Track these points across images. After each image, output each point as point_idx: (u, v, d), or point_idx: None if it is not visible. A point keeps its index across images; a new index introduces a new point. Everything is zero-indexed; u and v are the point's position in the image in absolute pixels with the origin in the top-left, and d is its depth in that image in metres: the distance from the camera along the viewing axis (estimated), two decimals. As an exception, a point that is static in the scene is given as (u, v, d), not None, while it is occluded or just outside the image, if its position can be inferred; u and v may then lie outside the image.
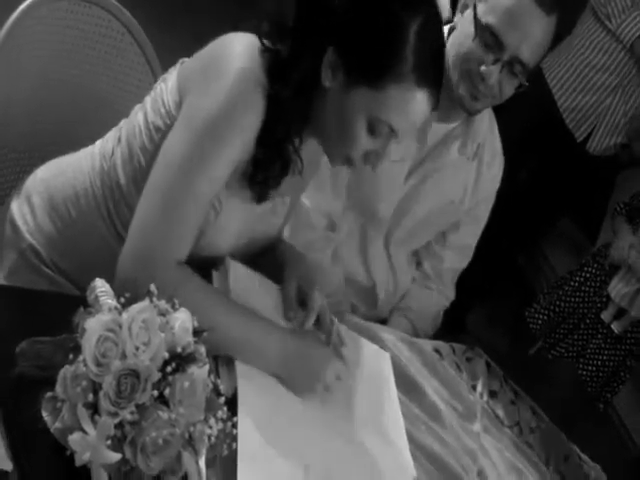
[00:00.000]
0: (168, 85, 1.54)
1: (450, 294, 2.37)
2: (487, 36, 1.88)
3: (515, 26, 1.86)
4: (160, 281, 1.22)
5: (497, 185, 2.28)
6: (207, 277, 1.55)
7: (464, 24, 1.95)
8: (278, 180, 1.53)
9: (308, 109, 1.49)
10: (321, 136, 1.54)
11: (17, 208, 1.69)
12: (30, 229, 1.66)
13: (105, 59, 1.95)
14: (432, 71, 1.46)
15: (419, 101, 1.45)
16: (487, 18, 1.88)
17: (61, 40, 1.87)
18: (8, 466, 1.08)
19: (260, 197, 1.54)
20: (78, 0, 1.86)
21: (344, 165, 1.57)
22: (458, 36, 1.97)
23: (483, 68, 1.89)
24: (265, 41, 1.46)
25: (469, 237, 2.33)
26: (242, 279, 1.60)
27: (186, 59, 1.56)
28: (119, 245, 1.56)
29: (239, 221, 1.59)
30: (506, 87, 1.95)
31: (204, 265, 1.75)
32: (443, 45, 1.54)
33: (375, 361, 1.80)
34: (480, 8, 1.90)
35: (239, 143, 1.44)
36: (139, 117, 1.57)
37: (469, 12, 1.94)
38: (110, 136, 1.66)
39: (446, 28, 2.05)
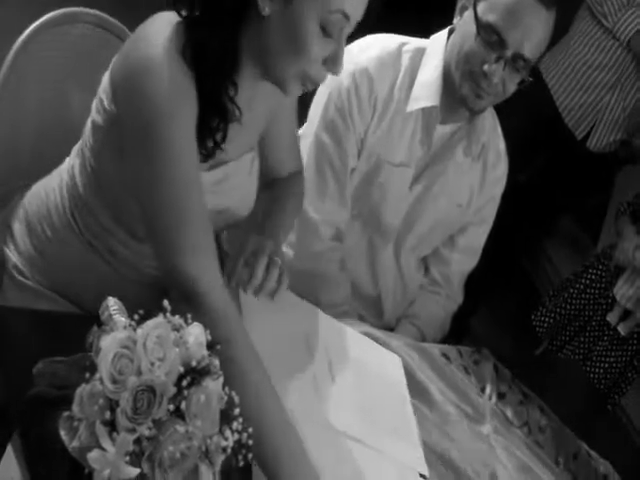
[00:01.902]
0: (103, 82, 1.49)
1: (459, 298, 2.36)
2: (489, 34, 1.86)
3: (516, 23, 1.85)
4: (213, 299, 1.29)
5: (503, 185, 2.27)
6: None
7: (464, 25, 1.94)
8: (221, 131, 1.47)
9: (236, 52, 1.43)
10: (268, 67, 1.45)
11: (2, 235, 1.70)
12: (12, 251, 1.66)
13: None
14: None
15: None
16: (488, 17, 1.87)
17: (65, 64, 1.87)
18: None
19: (209, 153, 1.47)
20: (81, 23, 1.86)
21: (302, 87, 1.47)
22: (459, 37, 1.97)
23: (486, 67, 1.87)
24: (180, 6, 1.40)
25: (477, 238, 2.32)
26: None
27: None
28: (96, 257, 1.56)
29: None
30: (509, 83, 1.93)
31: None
32: None
33: (387, 364, 1.80)
34: (480, 7, 1.89)
35: (188, 123, 1.39)
36: (88, 123, 1.55)
37: (469, 13, 1.93)
38: (72, 151, 1.65)
39: (445, 31, 2.05)
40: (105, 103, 1.46)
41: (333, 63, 1.44)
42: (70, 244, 1.61)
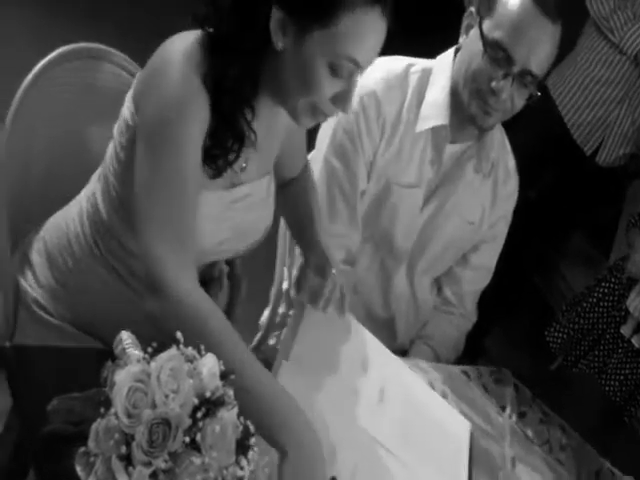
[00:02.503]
0: (125, 103, 1.52)
1: (472, 317, 2.33)
2: (495, 51, 1.85)
3: (523, 39, 1.83)
4: (185, 304, 1.26)
5: (514, 202, 2.24)
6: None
7: (470, 43, 1.93)
8: (235, 153, 1.48)
9: (256, 78, 1.45)
10: (282, 97, 1.48)
11: (18, 267, 1.69)
12: (32, 285, 1.66)
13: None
14: None
15: (374, 24, 1.40)
16: (494, 34, 1.85)
17: (75, 99, 1.86)
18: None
19: (218, 171, 1.49)
20: (87, 58, 1.86)
21: (313, 118, 1.50)
22: (465, 55, 1.95)
23: (494, 84, 1.85)
24: (206, 25, 1.43)
25: (489, 256, 2.29)
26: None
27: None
28: (117, 281, 1.55)
29: (213, 212, 1.55)
30: (518, 99, 1.91)
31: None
32: None
33: (451, 421, 1.77)
34: (486, 25, 1.88)
35: (197, 126, 1.40)
36: (110, 148, 1.56)
37: (474, 31, 1.91)
38: (92, 179, 1.66)
39: (452, 50, 2.04)
40: (129, 120, 1.48)
41: (342, 101, 1.46)
42: (92, 272, 1.61)
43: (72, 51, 1.82)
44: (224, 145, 1.46)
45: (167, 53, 1.43)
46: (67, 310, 1.63)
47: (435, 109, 2.00)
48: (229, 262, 1.89)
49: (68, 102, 1.86)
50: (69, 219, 1.66)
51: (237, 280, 1.91)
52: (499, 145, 2.15)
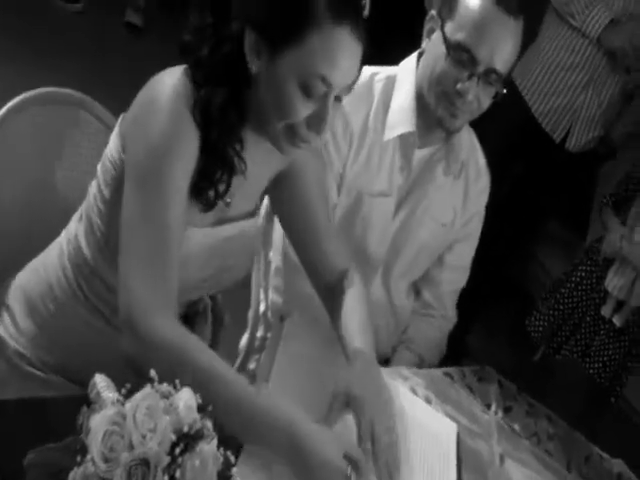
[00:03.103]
0: (111, 141, 1.52)
1: (453, 317, 2.32)
2: (459, 54, 1.84)
3: (485, 38, 1.83)
4: (161, 337, 1.22)
5: (485, 199, 2.23)
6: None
7: (433, 48, 1.92)
8: (224, 184, 1.48)
9: (240, 105, 1.44)
10: (261, 124, 1.47)
11: None
12: (13, 335, 1.64)
13: (85, 155, 1.93)
14: (347, 5, 1.39)
15: (343, 42, 1.38)
16: (456, 36, 1.85)
17: (40, 143, 1.87)
18: None
19: (209, 205, 1.48)
20: (53, 104, 1.86)
21: (292, 144, 1.47)
22: (429, 59, 1.94)
23: (459, 86, 1.85)
24: (189, 53, 1.44)
25: (464, 255, 2.28)
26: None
27: (126, 113, 1.53)
28: (101, 320, 1.54)
29: (201, 247, 1.54)
30: (484, 98, 1.91)
31: (180, 310, 1.71)
32: None
33: (438, 426, 1.77)
34: (448, 27, 1.87)
35: (185, 164, 1.40)
36: (93, 187, 1.55)
37: (437, 34, 1.90)
38: (72, 220, 1.65)
39: (414, 55, 2.03)
40: (115, 159, 1.47)
41: (316, 124, 1.43)
42: (75, 314, 1.59)
43: (32, 98, 1.82)
44: (213, 176, 1.45)
45: (155, 90, 1.43)
46: (48, 355, 1.62)
47: (401, 115, 2.00)
48: (211, 296, 1.88)
49: (33, 149, 1.86)
50: (48, 264, 1.64)
51: (219, 312, 1.91)
52: (467, 145, 2.14)
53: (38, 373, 1.61)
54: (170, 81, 1.42)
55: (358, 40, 1.40)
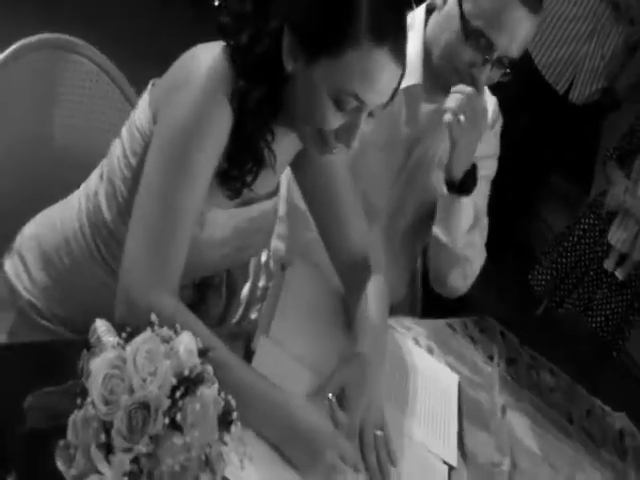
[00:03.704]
0: (140, 107, 1.49)
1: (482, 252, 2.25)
2: (477, 39, 1.81)
3: (505, 28, 1.80)
4: (157, 313, 1.16)
5: (497, 140, 2.18)
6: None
7: (447, 17, 1.88)
8: (253, 175, 1.46)
9: (276, 100, 1.41)
10: (293, 123, 1.45)
11: (11, 268, 1.65)
12: (26, 286, 1.62)
13: (85, 102, 1.90)
14: (390, 27, 1.35)
15: (381, 63, 1.34)
16: (476, 22, 1.81)
17: (38, 91, 1.83)
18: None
19: (236, 193, 1.47)
20: (51, 49, 1.82)
21: (320, 148, 1.45)
22: (442, 26, 1.90)
23: (474, 70, 1.83)
24: (228, 35, 1.40)
25: (479, 198, 2.18)
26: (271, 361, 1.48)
27: (157, 79, 1.51)
28: (115, 282, 1.53)
29: (225, 229, 1.53)
30: (494, 76, 1.89)
31: (194, 281, 1.71)
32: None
33: (440, 375, 1.77)
34: (466, 7, 1.83)
35: (214, 146, 1.38)
36: (117, 149, 1.53)
37: (453, 4, 1.86)
38: (92, 176, 1.62)
39: (423, 8, 1.99)
40: (145, 129, 1.45)
41: (345, 136, 1.41)
42: (91, 273, 1.58)
43: (28, 44, 1.78)
44: (243, 166, 1.44)
45: (192, 67, 1.40)
46: (60, 308, 1.61)
47: (408, 68, 1.97)
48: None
49: (33, 95, 1.82)
50: (65, 217, 1.62)
51: (234, 285, 1.90)
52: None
53: (47, 324, 1.60)
54: (208, 59, 1.39)
55: (397, 63, 1.36)
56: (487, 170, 2.19)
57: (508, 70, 1.89)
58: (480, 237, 2.19)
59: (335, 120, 1.37)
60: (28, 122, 1.81)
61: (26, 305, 1.61)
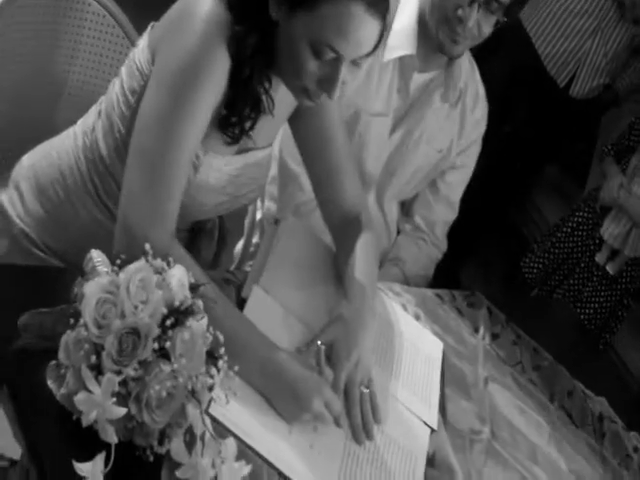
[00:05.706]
0: (139, 47, 1.51)
1: (443, 246, 2.33)
2: None
3: None
4: (154, 249, 1.19)
5: (482, 129, 2.24)
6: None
7: None
8: (251, 120, 1.48)
9: (269, 48, 1.43)
10: (280, 73, 1.47)
11: (6, 196, 1.67)
12: (20, 214, 1.64)
13: (86, 42, 1.92)
14: None
15: (356, 16, 1.34)
16: None
17: (41, 28, 1.84)
18: (16, 454, 1.06)
19: (235, 139, 1.49)
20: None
21: (307, 98, 1.47)
22: None
23: (460, 12, 1.85)
24: None
25: (455, 187, 2.28)
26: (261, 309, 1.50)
27: (156, 22, 1.52)
28: (109, 218, 1.54)
29: (220, 175, 1.55)
30: (484, 26, 1.91)
31: (188, 226, 1.73)
32: None
33: (425, 341, 1.78)
34: None
35: (211, 88, 1.39)
36: (116, 87, 1.54)
37: None
38: (90, 112, 1.64)
39: None
40: (144, 68, 1.46)
41: (327, 86, 1.42)
42: (84, 207, 1.60)
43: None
44: (242, 112, 1.45)
45: (189, 10, 1.41)
46: (51, 239, 1.63)
47: (402, 38, 1.99)
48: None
49: (36, 32, 1.84)
50: (62, 150, 1.63)
51: (224, 232, 1.91)
52: (467, 73, 2.14)
53: (40, 254, 1.62)
54: (206, 3, 1.40)
55: (374, 15, 1.36)
56: (468, 160, 2.26)
57: (498, 19, 1.90)
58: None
59: (315, 69, 1.39)
60: (34, 57, 1.83)
61: (19, 233, 1.63)
